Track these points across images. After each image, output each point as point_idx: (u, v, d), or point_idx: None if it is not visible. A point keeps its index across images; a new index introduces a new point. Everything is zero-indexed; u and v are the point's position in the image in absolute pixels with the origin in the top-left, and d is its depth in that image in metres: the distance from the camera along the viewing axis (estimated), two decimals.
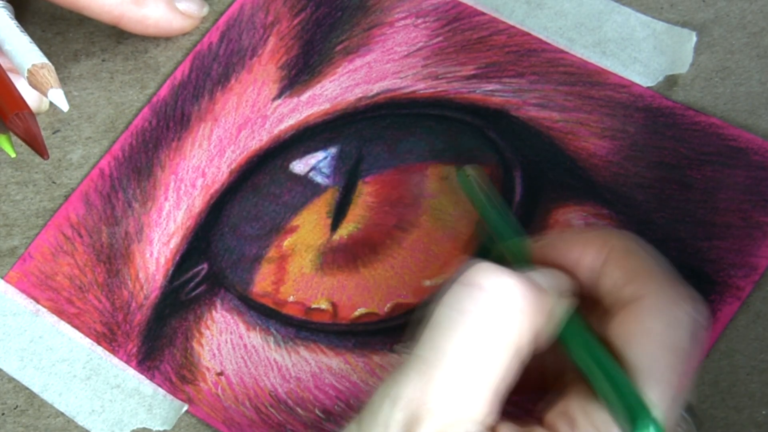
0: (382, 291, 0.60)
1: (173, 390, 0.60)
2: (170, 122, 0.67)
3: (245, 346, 0.60)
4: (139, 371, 0.60)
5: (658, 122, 0.61)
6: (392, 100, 0.65)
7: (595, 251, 0.47)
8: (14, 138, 0.62)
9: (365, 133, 0.64)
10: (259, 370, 0.59)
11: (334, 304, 0.60)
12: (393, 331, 0.59)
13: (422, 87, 0.65)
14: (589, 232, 0.49)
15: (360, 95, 0.65)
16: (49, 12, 0.71)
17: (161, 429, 0.59)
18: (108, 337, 0.62)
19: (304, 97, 0.66)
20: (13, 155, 0.62)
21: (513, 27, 0.65)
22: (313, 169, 0.64)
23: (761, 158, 0.59)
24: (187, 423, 0.59)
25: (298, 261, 0.61)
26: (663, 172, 0.60)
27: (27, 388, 0.61)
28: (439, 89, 0.64)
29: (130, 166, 0.66)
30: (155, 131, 0.67)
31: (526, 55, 0.64)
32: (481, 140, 0.63)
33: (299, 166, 0.64)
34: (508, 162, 0.62)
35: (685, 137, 0.61)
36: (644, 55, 0.63)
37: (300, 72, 0.67)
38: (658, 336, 0.44)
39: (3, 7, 0.65)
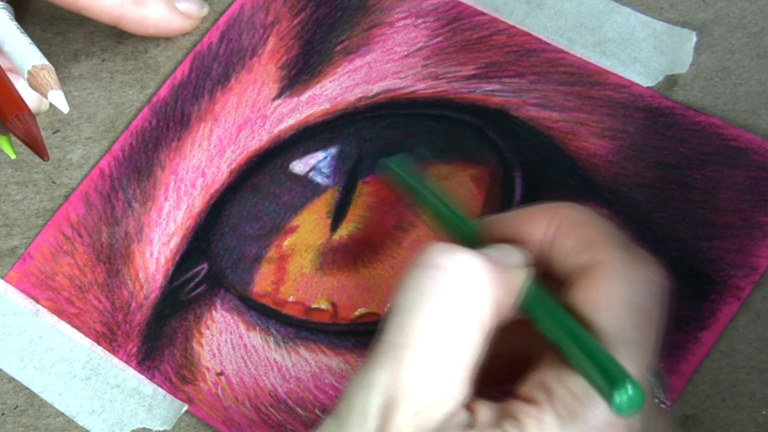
0: (382, 291, 0.60)
1: (173, 390, 0.60)
2: (170, 122, 0.67)
3: (245, 346, 0.60)
4: (139, 371, 0.60)
5: (658, 122, 0.61)
6: (392, 100, 0.65)
7: (544, 223, 0.47)
8: (14, 138, 0.62)
9: (365, 133, 0.64)
10: (259, 370, 0.59)
11: (334, 304, 0.60)
12: None
13: (422, 87, 0.65)
14: (535, 206, 0.49)
15: (360, 95, 0.65)
16: (49, 12, 0.71)
17: (161, 429, 0.59)
18: (108, 337, 0.62)
19: (304, 97, 0.66)
20: (13, 156, 0.62)
21: (513, 27, 0.65)
22: (313, 169, 0.64)
23: (761, 158, 0.59)
24: (187, 423, 0.59)
25: (298, 261, 0.61)
26: (663, 172, 0.60)
27: (27, 388, 0.61)
28: (439, 89, 0.64)
29: (130, 166, 0.66)
30: (155, 131, 0.67)
31: (526, 55, 0.64)
32: (481, 140, 0.63)
33: (299, 166, 0.64)
34: (508, 162, 0.62)
35: (685, 137, 0.61)
36: (644, 55, 0.63)
37: (300, 72, 0.67)
38: (620, 298, 0.45)
39: (3, 8, 0.65)
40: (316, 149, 0.65)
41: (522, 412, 0.44)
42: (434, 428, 0.44)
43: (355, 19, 0.68)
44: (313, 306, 0.60)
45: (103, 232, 0.64)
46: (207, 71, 0.68)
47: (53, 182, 0.66)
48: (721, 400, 0.55)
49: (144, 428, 0.59)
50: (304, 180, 0.64)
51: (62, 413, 0.60)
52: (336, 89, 0.66)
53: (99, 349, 0.61)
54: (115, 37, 0.70)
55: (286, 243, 0.62)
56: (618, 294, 0.45)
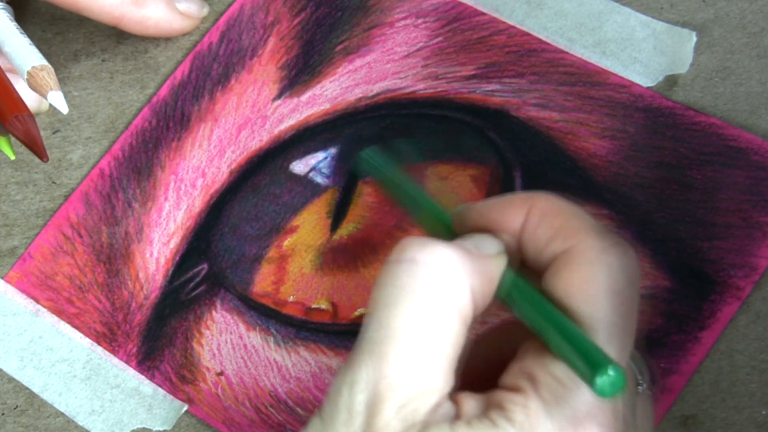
0: None
1: (173, 390, 0.60)
2: (170, 122, 0.67)
3: (245, 346, 0.60)
4: (139, 371, 0.60)
5: (658, 122, 0.61)
6: (392, 101, 0.65)
7: (517, 212, 0.47)
8: (14, 139, 0.62)
9: (365, 133, 0.64)
10: (259, 370, 0.59)
11: (334, 304, 0.60)
12: None
13: (422, 87, 0.65)
14: (510, 195, 0.49)
15: (360, 95, 0.65)
16: (49, 12, 0.71)
17: (161, 429, 0.59)
18: (108, 337, 0.62)
19: (304, 97, 0.66)
20: (13, 157, 0.62)
21: (513, 27, 0.65)
22: (313, 169, 0.64)
23: (761, 158, 0.59)
24: (187, 423, 0.59)
25: (298, 261, 0.61)
26: (663, 172, 0.60)
27: (27, 388, 0.61)
28: (439, 89, 0.64)
29: (130, 166, 0.66)
30: (155, 131, 0.67)
31: (526, 55, 0.64)
32: (481, 140, 0.63)
33: (299, 167, 0.64)
34: (508, 162, 0.62)
35: (685, 137, 0.61)
36: (644, 55, 0.63)
37: (300, 72, 0.67)
38: (598, 283, 0.45)
39: (3, 8, 0.64)
40: (316, 149, 0.65)
41: (508, 401, 0.44)
42: (420, 421, 0.44)
43: (355, 20, 0.68)
44: (313, 306, 0.60)
45: (103, 232, 0.64)
46: (207, 71, 0.68)
47: (53, 182, 0.66)
48: (721, 400, 0.55)
49: (144, 428, 0.59)
50: (304, 180, 0.64)
51: (62, 413, 0.60)
52: (336, 89, 0.66)
53: (99, 349, 0.61)
54: (115, 37, 0.70)
55: (286, 243, 0.62)
56: (595, 279, 0.45)
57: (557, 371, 0.44)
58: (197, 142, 0.66)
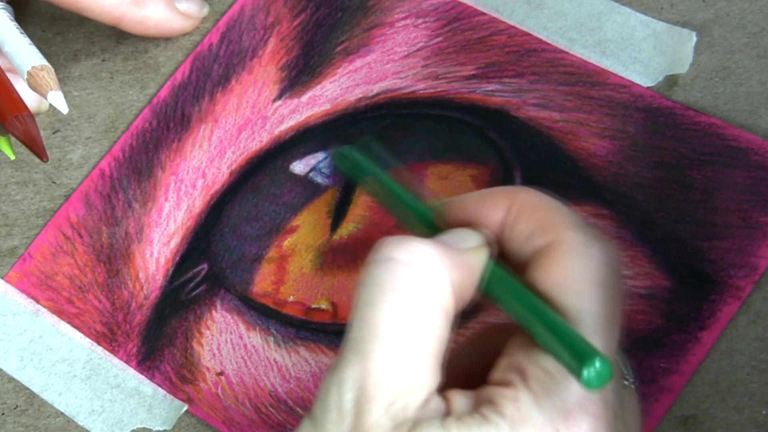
0: None
1: (173, 390, 0.60)
2: (170, 123, 0.67)
3: (245, 346, 0.60)
4: (139, 371, 0.60)
5: (658, 122, 0.61)
6: (392, 101, 0.65)
7: (498, 206, 0.48)
8: (14, 139, 0.62)
9: (365, 133, 0.64)
10: (259, 370, 0.59)
11: (334, 304, 0.60)
12: None
13: (422, 87, 0.65)
14: (492, 189, 0.49)
15: (360, 96, 0.65)
16: (49, 12, 0.71)
17: (161, 429, 0.59)
18: (108, 337, 0.62)
19: (305, 98, 0.66)
20: (13, 157, 0.63)
21: (513, 27, 0.65)
22: (313, 169, 0.64)
23: (761, 158, 0.59)
24: (187, 423, 0.59)
25: (298, 261, 0.62)
26: (663, 172, 0.60)
27: (27, 388, 0.61)
28: (439, 89, 0.64)
29: (131, 167, 0.66)
30: (155, 132, 0.67)
31: (526, 55, 0.64)
32: (481, 140, 0.63)
33: (299, 167, 0.64)
34: (508, 162, 0.62)
35: (685, 137, 0.61)
36: (644, 55, 0.63)
37: (300, 73, 0.67)
38: (582, 275, 0.45)
39: (3, 8, 0.65)
40: (316, 150, 0.65)
41: (498, 395, 0.44)
42: (411, 418, 0.44)
43: (355, 20, 0.68)
44: (313, 306, 0.60)
45: (103, 233, 0.64)
46: (207, 72, 0.68)
47: (53, 182, 0.66)
48: (721, 400, 0.55)
49: (144, 428, 0.59)
50: (304, 180, 0.64)
51: (62, 413, 0.60)
52: (336, 90, 0.66)
53: (99, 349, 0.61)
54: (115, 37, 0.70)
55: (286, 243, 0.62)
56: (579, 271, 0.45)
57: (546, 363, 0.44)
58: (197, 142, 0.66)
